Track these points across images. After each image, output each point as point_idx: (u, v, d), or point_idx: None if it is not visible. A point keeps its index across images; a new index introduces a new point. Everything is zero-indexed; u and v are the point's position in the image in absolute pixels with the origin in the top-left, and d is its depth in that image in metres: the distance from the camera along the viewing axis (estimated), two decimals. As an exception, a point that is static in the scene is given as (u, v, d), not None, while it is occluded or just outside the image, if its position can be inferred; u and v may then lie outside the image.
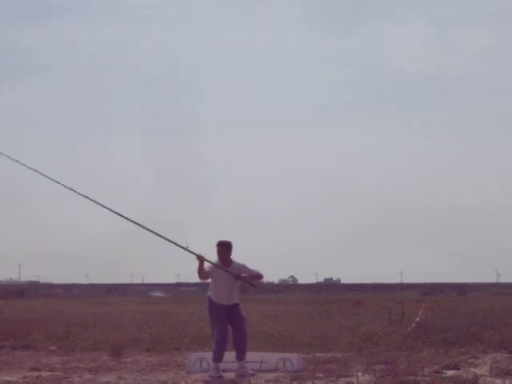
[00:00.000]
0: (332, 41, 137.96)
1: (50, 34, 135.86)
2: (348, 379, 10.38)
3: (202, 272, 11.06)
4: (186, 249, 10.94)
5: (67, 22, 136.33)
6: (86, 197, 11.37)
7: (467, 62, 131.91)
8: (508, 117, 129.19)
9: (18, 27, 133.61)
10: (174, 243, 10.95)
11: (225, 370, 11.33)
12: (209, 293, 11.43)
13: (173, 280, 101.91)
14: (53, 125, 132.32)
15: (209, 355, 11.55)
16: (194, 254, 10.98)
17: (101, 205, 11.29)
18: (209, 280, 11.33)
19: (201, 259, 10.98)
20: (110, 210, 11.29)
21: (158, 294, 69.13)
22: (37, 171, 11.76)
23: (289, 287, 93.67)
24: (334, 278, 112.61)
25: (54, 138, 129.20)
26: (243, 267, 11.21)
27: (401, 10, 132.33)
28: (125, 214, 11.24)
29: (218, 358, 11.15)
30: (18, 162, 12.00)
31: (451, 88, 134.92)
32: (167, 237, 11.08)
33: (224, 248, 11.21)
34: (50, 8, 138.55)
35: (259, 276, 11.35)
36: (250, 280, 11.23)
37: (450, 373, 10.87)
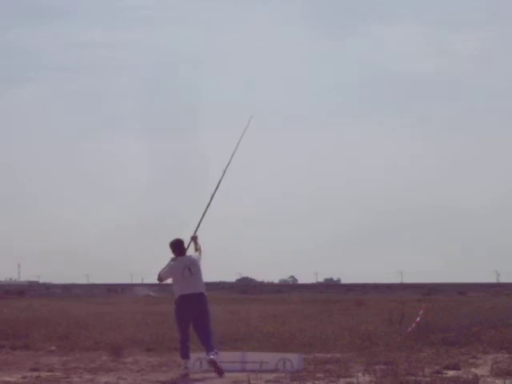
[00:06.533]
0: (330, 42, 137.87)
1: (49, 34, 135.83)
2: (348, 379, 10.35)
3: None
4: None
5: (67, 22, 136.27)
6: None
7: (465, 63, 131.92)
8: (506, 117, 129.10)
9: (17, 28, 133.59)
10: None
11: (225, 370, 11.33)
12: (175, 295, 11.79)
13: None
14: (53, 125, 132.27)
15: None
16: None
17: None
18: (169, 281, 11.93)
19: None
20: None
21: (151, 293, 68.90)
22: None
23: (289, 287, 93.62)
24: (335, 278, 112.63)
25: (55, 138, 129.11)
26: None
27: (398, 11, 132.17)
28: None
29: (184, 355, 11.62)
30: None
31: (450, 89, 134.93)
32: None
33: (174, 247, 11.89)
34: (49, 9, 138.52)
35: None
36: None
37: (450, 373, 10.84)
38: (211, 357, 11.18)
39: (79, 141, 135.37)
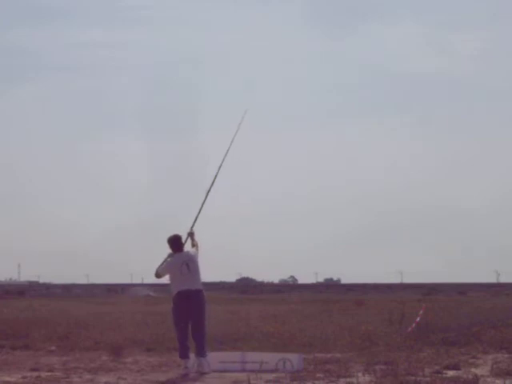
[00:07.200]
0: (330, 42, 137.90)
1: (49, 34, 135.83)
2: (348, 379, 10.36)
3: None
4: None
5: (67, 22, 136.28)
6: None
7: (465, 63, 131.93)
8: (506, 117, 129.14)
9: (17, 28, 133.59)
10: None
11: (225, 370, 11.34)
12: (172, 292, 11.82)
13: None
14: (53, 125, 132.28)
15: (208, 356, 11.62)
16: None
17: None
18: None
19: None
20: None
21: (151, 293, 68.90)
22: None
23: (289, 287, 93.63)
24: (335, 278, 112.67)
25: (55, 138, 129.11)
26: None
27: (398, 11, 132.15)
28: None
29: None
30: None
31: (450, 89, 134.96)
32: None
33: (172, 243, 11.95)
34: (49, 9, 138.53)
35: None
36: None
37: (450, 373, 10.85)
38: (200, 361, 11.48)
39: (79, 141, 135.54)
